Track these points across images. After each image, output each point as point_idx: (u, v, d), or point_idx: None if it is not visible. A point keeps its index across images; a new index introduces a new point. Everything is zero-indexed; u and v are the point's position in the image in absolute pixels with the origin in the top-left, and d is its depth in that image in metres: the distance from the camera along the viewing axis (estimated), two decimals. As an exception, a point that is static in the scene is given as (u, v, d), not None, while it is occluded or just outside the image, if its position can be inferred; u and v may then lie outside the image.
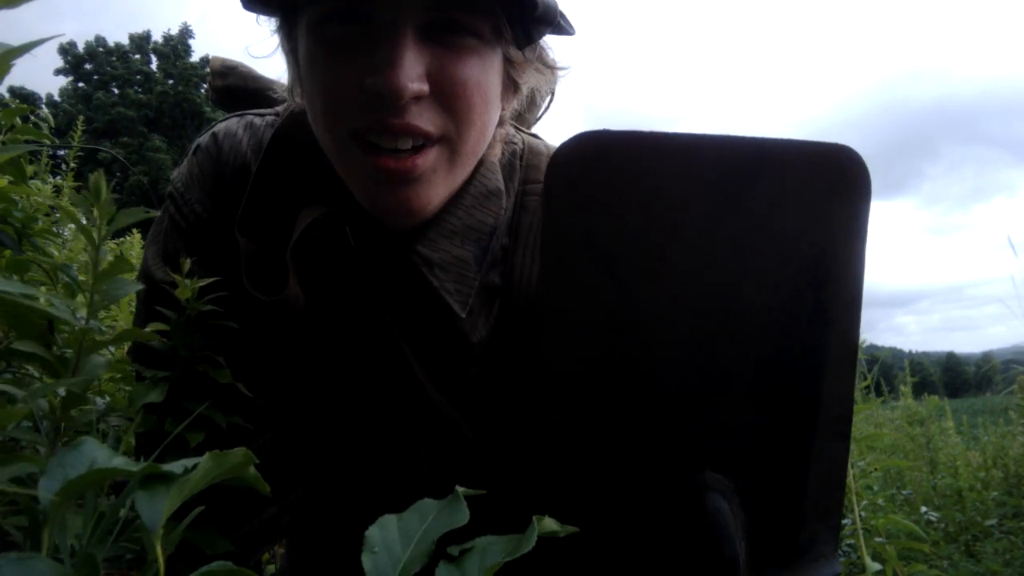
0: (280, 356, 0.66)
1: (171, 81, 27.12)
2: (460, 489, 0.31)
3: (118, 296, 0.50)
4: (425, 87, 0.54)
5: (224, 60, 0.83)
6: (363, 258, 0.63)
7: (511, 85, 0.66)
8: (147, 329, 0.58)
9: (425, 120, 0.55)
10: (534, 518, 0.32)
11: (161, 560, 0.28)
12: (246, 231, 0.63)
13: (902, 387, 3.56)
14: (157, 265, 0.68)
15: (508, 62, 0.64)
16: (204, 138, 0.73)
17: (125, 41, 27.48)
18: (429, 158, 0.57)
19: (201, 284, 0.59)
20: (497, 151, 0.70)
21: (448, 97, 0.56)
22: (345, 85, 0.55)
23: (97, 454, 0.31)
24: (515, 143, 0.73)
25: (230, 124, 0.73)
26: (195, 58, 28.36)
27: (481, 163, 0.66)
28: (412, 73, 0.52)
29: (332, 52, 0.56)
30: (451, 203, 0.64)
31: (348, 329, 0.65)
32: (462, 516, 0.29)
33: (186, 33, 28.47)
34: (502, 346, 0.65)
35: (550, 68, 0.69)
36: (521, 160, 0.72)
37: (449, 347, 0.64)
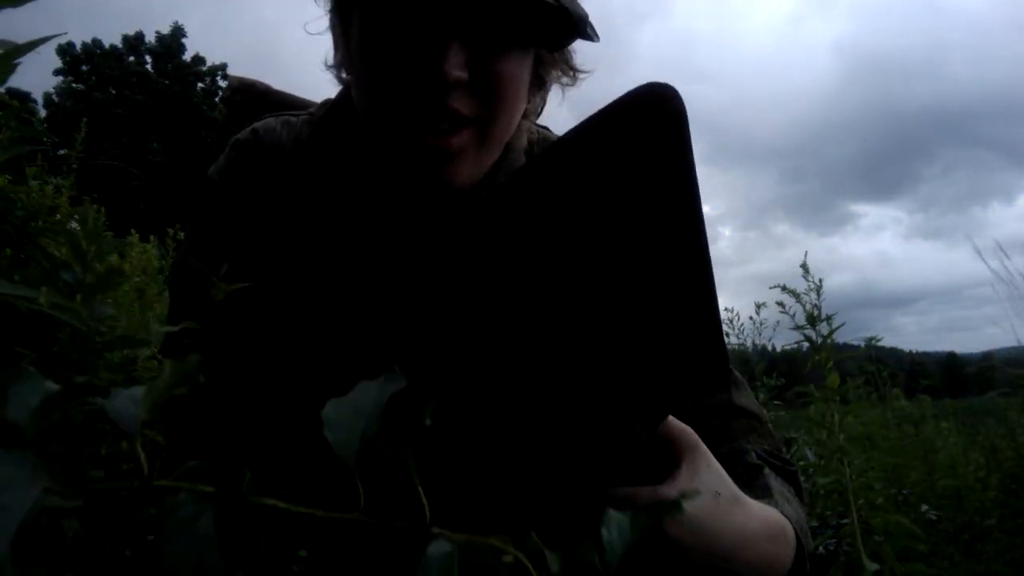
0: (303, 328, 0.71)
1: (167, 81, 27.12)
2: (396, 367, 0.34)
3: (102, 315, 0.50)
4: (465, 75, 0.61)
5: (241, 77, 0.89)
6: (405, 234, 0.69)
7: (538, 82, 0.74)
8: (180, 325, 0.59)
9: (462, 104, 0.62)
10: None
11: (144, 460, 0.29)
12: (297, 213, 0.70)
13: (895, 390, 3.56)
14: (192, 254, 0.73)
15: (538, 61, 0.71)
16: (243, 134, 0.77)
17: (119, 43, 27.53)
18: (463, 138, 0.64)
19: (233, 287, 0.61)
20: (523, 141, 0.77)
21: (484, 87, 0.63)
22: (394, 67, 0.62)
23: (46, 384, 0.31)
24: (531, 132, 0.81)
25: (268, 122, 0.78)
26: (187, 57, 28.38)
27: (508, 149, 0.74)
28: (455, 62, 0.59)
29: (384, 35, 0.62)
30: (484, 182, 0.71)
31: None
32: (400, 381, 0.33)
33: (178, 32, 28.49)
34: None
35: (574, 70, 0.76)
36: (535, 148, 0.79)
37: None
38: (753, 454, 0.67)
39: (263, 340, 0.68)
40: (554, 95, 0.80)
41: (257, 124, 0.77)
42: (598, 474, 0.54)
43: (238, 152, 0.76)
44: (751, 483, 0.63)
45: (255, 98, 0.87)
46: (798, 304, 1.69)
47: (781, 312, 1.77)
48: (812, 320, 1.66)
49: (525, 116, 0.75)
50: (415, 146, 0.63)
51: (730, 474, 0.59)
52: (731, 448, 0.67)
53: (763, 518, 0.57)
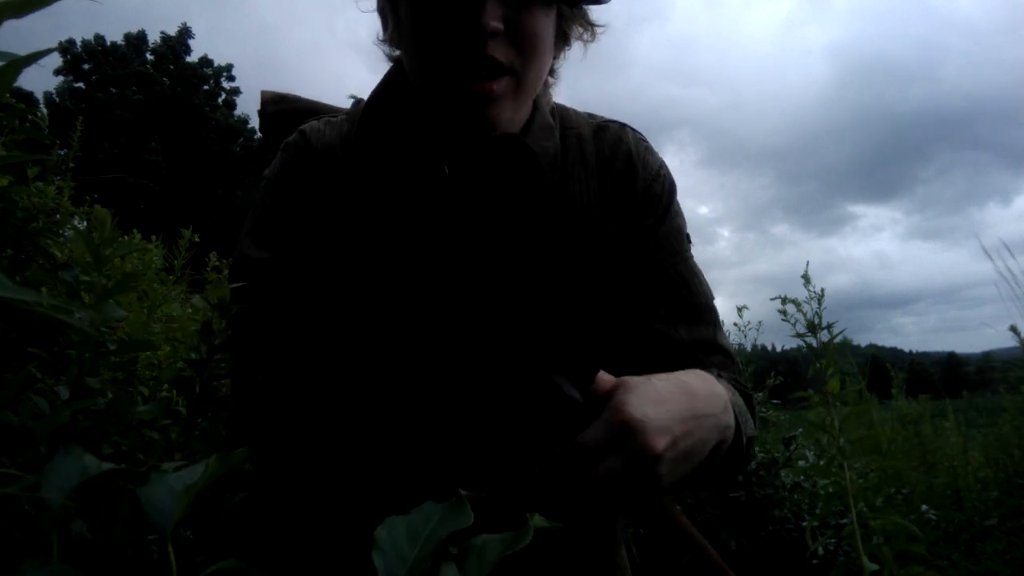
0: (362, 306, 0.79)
1: (168, 81, 27.08)
2: (464, 492, 0.31)
3: (114, 317, 0.51)
4: (501, 26, 0.70)
5: (274, 92, 0.98)
6: (456, 185, 0.78)
7: (562, 36, 0.82)
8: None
9: (499, 53, 0.71)
10: (528, 515, 0.33)
11: (173, 560, 0.28)
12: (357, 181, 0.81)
13: (894, 389, 3.56)
14: (250, 247, 0.81)
15: (561, 16, 0.80)
16: (292, 137, 0.86)
17: (121, 41, 27.46)
18: (502, 84, 0.73)
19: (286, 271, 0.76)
20: (550, 97, 0.88)
21: (517, 37, 0.72)
22: (438, 25, 0.71)
23: (87, 460, 0.32)
24: (552, 103, 0.91)
25: (313, 124, 0.87)
26: (194, 58, 28.38)
27: (537, 107, 0.84)
28: (492, 15, 0.69)
29: (430, 4, 0.72)
30: (522, 133, 0.81)
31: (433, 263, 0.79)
32: (466, 518, 0.30)
33: (185, 33, 28.49)
34: (566, 259, 0.80)
35: (591, 25, 0.85)
36: (555, 116, 0.88)
37: (527, 257, 0.79)
38: (715, 372, 0.77)
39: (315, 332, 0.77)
40: (577, 54, 0.89)
41: (303, 126, 0.86)
42: (543, 433, 0.63)
43: (289, 152, 0.85)
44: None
45: (288, 108, 0.96)
46: (799, 312, 1.71)
47: (783, 320, 1.78)
48: (813, 328, 1.68)
49: (551, 72, 0.85)
50: (460, 91, 0.72)
51: None
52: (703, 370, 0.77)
53: (709, 389, 0.67)
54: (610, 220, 0.82)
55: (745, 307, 3.37)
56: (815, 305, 1.70)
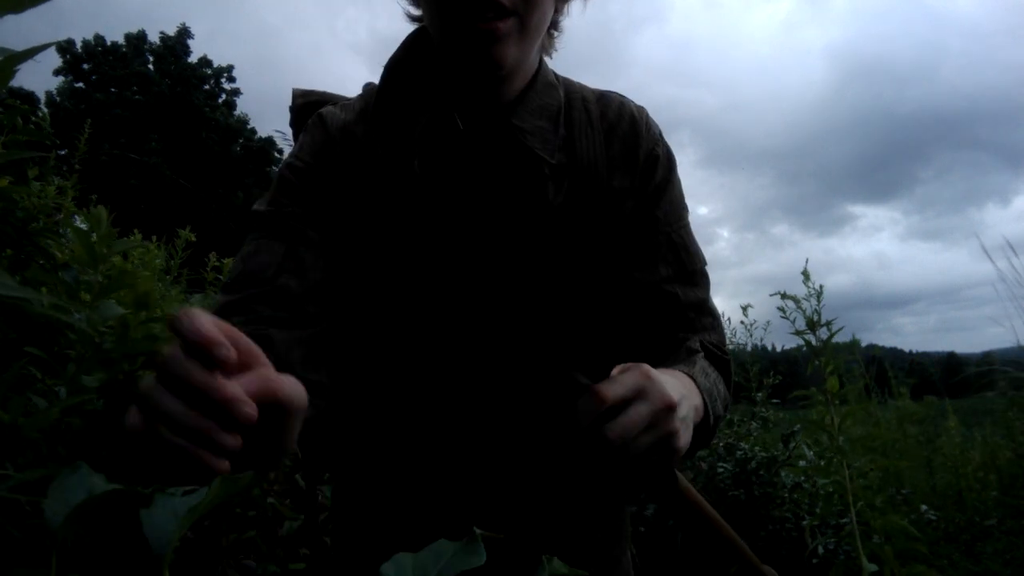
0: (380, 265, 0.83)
1: (168, 81, 27.04)
2: (478, 531, 0.31)
3: (111, 315, 0.51)
4: None
5: (303, 88, 1.05)
6: (468, 138, 0.84)
7: None
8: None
9: None
10: (543, 558, 0.33)
11: None
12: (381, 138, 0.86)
13: (900, 388, 3.55)
14: (263, 205, 0.84)
15: None
16: (311, 120, 0.92)
17: (121, 41, 27.41)
18: (507, 24, 0.79)
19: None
20: (552, 54, 0.93)
21: None
22: None
23: (93, 479, 0.33)
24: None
25: (329, 108, 0.93)
26: (193, 59, 28.35)
27: (541, 61, 0.90)
28: None
29: None
30: (527, 88, 0.88)
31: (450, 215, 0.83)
32: (479, 558, 0.29)
33: (184, 34, 28.48)
34: (573, 215, 0.84)
35: None
36: (559, 80, 0.94)
37: (533, 212, 0.83)
38: (696, 342, 0.85)
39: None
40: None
41: (321, 111, 0.92)
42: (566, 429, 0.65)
43: (308, 133, 0.89)
44: (688, 359, 0.81)
45: (315, 100, 1.02)
46: (798, 310, 1.71)
47: (782, 317, 1.79)
48: (812, 325, 1.70)
49: (552, 26, 0.90)
50: (469, 31, 0.78)
51: (676, 355, 0.82)
52: (682, 336, 0.86)
53: (681, 380, 0.73)
54: (615, 179, 0.87)
55: (750, 306, 3.38)
56: (814, 302, 1.71)
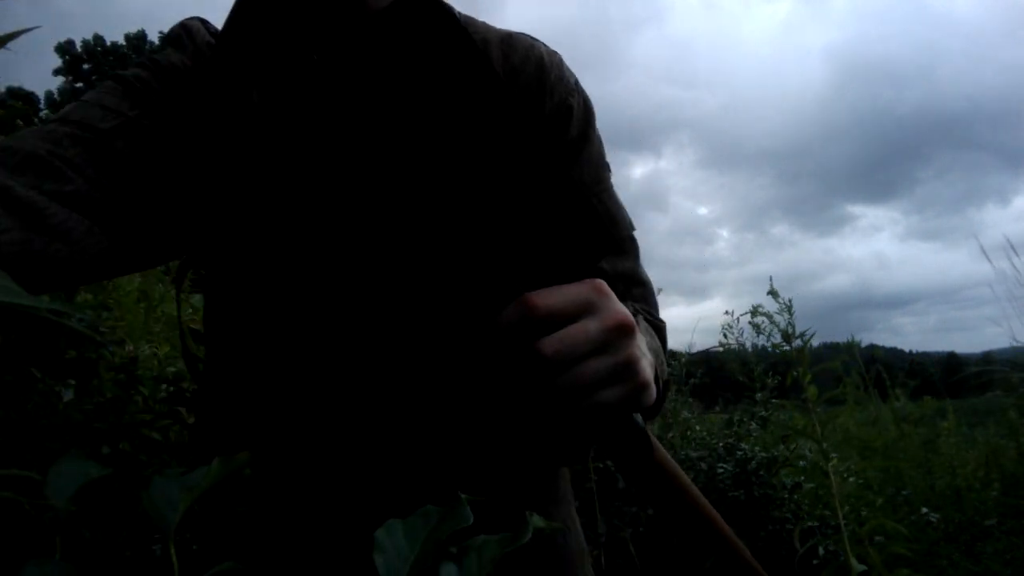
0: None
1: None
2: (463, 496, 0.32)
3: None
4: None
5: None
6: (323, 68, 0.70)
7: None
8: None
9: None
10: (527, 513, 0.34)
11: (175, 559, 0.29)
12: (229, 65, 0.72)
13: (896, 390, 3.56)
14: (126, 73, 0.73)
15: None
16: (176, 28, 0.80)
17: (121, 41, 27.45)
18: None
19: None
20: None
21: None
22: None
23: (89, 465, 0.35)
24: None
25: (195, 21, 0.80)
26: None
27: None
28: None
29: None
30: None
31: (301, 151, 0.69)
32: (465, 519, 0.30)
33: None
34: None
35: None
36: None
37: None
38: (632, 307, 0.74)
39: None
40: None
41: (186, 22, 0.80)
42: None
43: (169, 40, 0.78)
44: None
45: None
46: (772, 324, 1.80)
47: (758, 335, 1.88)
48: (787, 337, 1.76)
49: None
50: None
51: None
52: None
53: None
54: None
55: (760, 306, 3.36)
56: (787, 316, 1.79)
